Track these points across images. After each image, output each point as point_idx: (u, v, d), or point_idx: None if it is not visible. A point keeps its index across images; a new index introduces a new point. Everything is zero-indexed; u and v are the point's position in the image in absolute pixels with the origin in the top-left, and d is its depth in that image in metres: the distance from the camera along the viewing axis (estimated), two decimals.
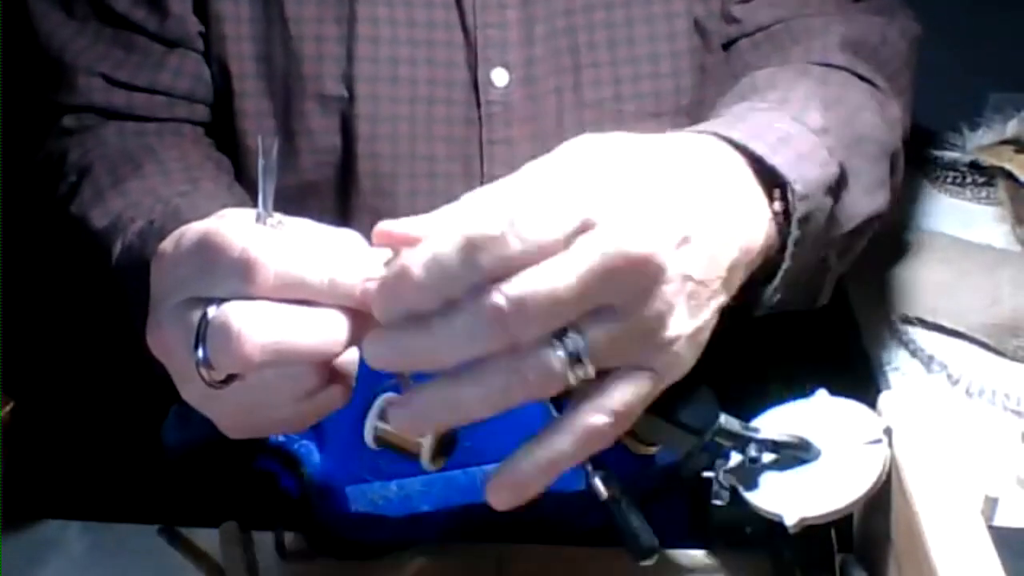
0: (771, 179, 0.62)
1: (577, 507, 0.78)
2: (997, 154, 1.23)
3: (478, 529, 0.78)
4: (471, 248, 0.49)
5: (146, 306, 0.57)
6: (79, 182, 0.82)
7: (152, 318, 0.56)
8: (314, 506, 0.82)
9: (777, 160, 0.62)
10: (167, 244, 0.56)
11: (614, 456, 0.76)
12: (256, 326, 0.51)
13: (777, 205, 0.63)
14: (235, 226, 0.54)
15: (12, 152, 0.93)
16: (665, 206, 0.53)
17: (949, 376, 0.97)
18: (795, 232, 0.63)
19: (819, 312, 0.78)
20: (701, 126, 0.64)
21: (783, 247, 0.64)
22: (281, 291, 0.52)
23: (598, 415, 0.52)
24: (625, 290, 0.50)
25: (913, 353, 1.00)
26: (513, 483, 0.53)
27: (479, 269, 0.49)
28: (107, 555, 0.77)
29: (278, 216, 0.55)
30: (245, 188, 0.85)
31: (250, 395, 0.55)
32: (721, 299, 0.56)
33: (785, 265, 0.64)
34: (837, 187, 0.69)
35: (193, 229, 0.55)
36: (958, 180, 1.23)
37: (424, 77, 0.84)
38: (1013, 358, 0.99)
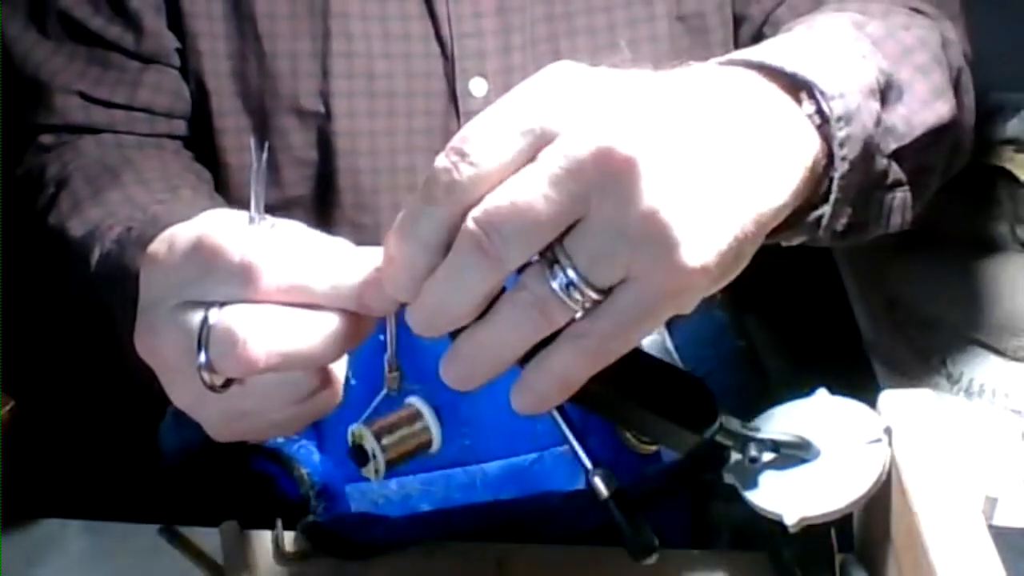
0: (796, 86, 0.58)
1: (577, 507, 0.78)
2: (997, 154, 1.23)
3: (478, 529, 0.78)
4: (427, 184, 0.48)
5: (126, 312, 0.57)
6: (57, 194, 0.82)
7: (143, 322, 0.55)
8: (313, 506, 0.82)
9: (797, 66, 0.58)
10: (158, 247, 0.56)
11: (614, 456, 0.76)
12: (261, 331, 0.51)
13: (807, 106, 0.58)
14: (230, 229, 0.53)
15: (11, 154, 0.93)
16: (643, 106, 0.48)
17: (949, 376, 0.97)
18: (838, 134, 0.59)
19: (819, 312, 0.78)
20: (710, 61, 0.59)
21: (831, 159, 0.59)
22: (282, 295, 0.52)
23: (603, 324, 0.48)
24: (600, 191, 0.46)
25: (913, 353, 1.00)
26: (529, 391, 0.50)
27: (437, 202, 0.47)
28: (107, 555, 0.77)
29: (270, 219, 0.55)
30: (226, 203, 0.85)
31: (247, 399, 0.54)
32: (752, 208, 0.50)
33: (838, 171, 0.60)
34: (884, 93, 0.65)
35: (185, 232, 0.54)
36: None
37: (402, 90, 0.84)
38: (1013, 358, 0.99)
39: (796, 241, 0.63)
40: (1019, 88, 1.36)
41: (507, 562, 0.76)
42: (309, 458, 0.81)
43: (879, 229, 0.71)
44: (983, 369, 0.98)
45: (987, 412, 0.94)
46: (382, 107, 0.84)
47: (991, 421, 0.93)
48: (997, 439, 0.91)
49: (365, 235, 0.85)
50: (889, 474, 0.64)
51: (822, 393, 0.67)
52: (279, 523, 0.77)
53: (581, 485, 0.57)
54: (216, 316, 0.52)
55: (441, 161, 0.48)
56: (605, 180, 0.46)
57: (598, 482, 0.56)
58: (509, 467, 0.81)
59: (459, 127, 0.82)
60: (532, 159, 0.47)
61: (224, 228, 0.53)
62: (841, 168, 0.59)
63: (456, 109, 0.84)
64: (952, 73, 0.76)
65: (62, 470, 1.05)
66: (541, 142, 0.47)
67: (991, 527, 0.60)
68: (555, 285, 0.47)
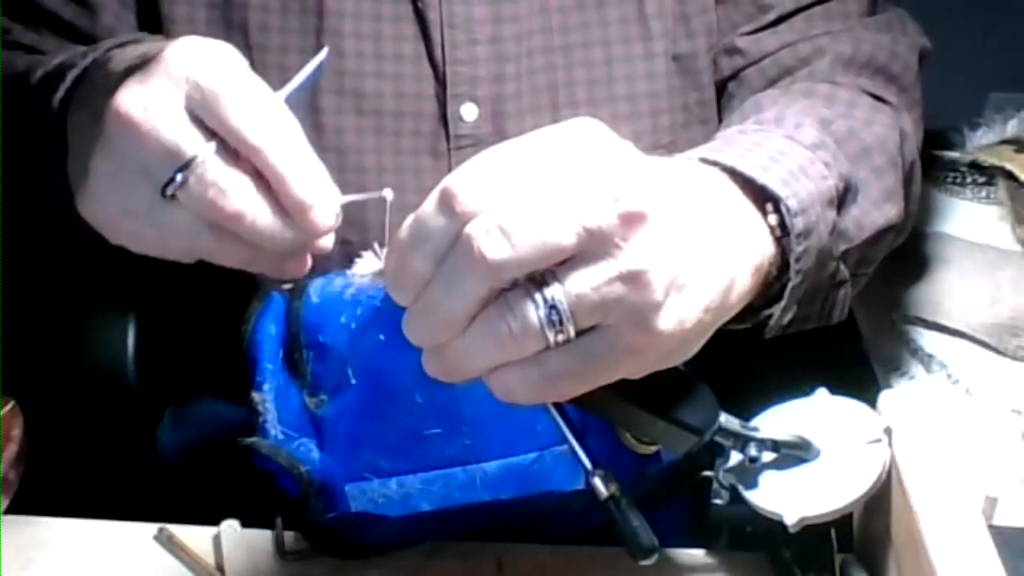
0: (763, 197, 0.62)
1: (577, 507, 0.78)
2: (997, 154, 1.23)
3: (478, 528, 0.78)
4: (441, 197, 0.50)
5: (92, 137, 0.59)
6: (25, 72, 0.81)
7: (139, 77, 0.57)
8: (313, 505, 0.82)
9: (767, 178, 0.62)
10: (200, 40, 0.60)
11: (614, 456, 0.76)
12: (238, 197, 0.56)
13: (772, 219, 0.62)
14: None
15: (12, 155, 0.93)
16: (654, 176, 0.51)
17: (949, 376, 0.97)
18: (796, 248, 0.62)
19: None
20: (688, 153, 0.63)
21: (786, 265, 0.63)
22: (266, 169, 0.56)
23: (562, 361, 0.50)
24: (607, 234, 0.49)
25: (913, 353, 1.00)
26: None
27: (449, 215, 0.49)
28: (106, 555, 0.77)
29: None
30: None
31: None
32: (711, 300, 0.53)
33: (792, 282, 0.63)
34: (841, 200, 0.68)
35: (217, 46, 0.59)
36: (958, 180, 1.23)
37: (391, 109, 0.84)
38: (1013, 358, 0.99)
39: (741, 327, 0.65)
40: (1019, 88, 1.36)
41: (507, 562, 0.76)
42: (309, 456, 0.81)
43: (820, 323, 0.75)
44: (983, 369, 0.98)
45: (987, 412, 0.94)
46: (370, 125, 0.84)
47: (991, 421, 0.93)
48: (997, 439, 0.91)
49: (352, 250, 0.85)
50: (889, 474, 0.64)
51: (822, 393, 0.67)
52: (279, 523, 0.77)
53: (581, 485, 0.57)
54: (210, 156, 0.55)
55: (457, 179, 0.49)
56: (616, 225, 0.48)
57: (598, 482, 0.56)
58: (509, 467, 0.80)
59: (448, 149, 0.84)
60: (551, 194, 0.49)
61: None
62: (795, 279, 0.63)
63: (446, 132, 0.84)
64: (905, 169, 0.79)
65: (60, 470, 1.04)
66: (561, 180, 0.49)
67: (991, 527, 0.61)
68: (540, 314, 0.49)
